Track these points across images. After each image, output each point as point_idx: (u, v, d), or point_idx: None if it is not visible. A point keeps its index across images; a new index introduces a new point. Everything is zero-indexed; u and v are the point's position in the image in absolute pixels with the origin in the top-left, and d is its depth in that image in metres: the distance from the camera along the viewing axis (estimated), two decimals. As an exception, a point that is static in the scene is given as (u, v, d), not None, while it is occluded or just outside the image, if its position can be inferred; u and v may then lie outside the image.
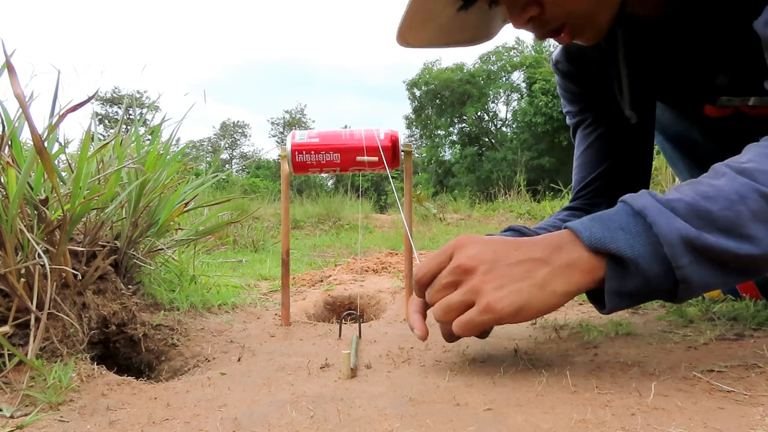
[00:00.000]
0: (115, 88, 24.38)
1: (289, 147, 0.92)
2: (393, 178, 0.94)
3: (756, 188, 0.51)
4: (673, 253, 0.51)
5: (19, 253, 0.69)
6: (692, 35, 0.77)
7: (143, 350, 0.82)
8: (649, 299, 0.56)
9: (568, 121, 1.03)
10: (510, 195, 6.02)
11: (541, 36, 0.73)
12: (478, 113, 24.65)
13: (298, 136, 0.93)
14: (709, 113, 0.83)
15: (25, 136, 1.52)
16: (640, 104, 0.85)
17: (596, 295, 0.59)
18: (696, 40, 0.77)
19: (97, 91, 0.77)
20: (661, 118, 0.99)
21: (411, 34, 0.76)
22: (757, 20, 0.60)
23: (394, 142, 0.93)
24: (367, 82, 62.51)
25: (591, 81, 0.94)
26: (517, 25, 0.71)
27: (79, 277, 0.76)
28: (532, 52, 22.98)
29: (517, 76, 23.73)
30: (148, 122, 1.46)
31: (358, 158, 0.92)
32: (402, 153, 0.95)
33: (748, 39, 0.65)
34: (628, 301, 0.56)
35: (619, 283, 0.54)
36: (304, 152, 0.92)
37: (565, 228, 0.58)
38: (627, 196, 0.56)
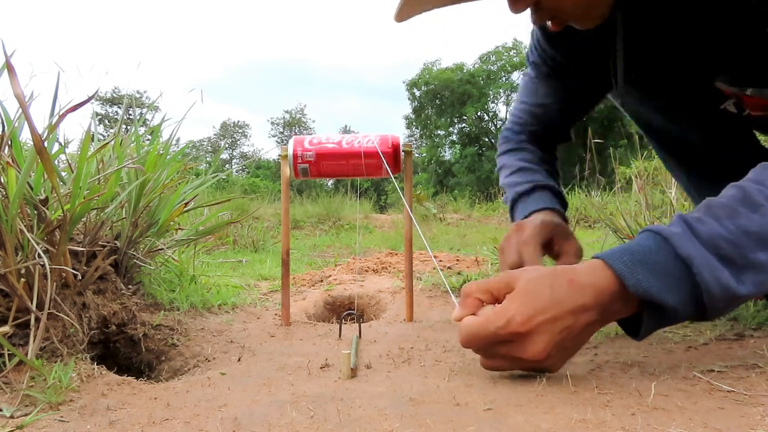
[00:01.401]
0: (115, 88, 24.40)
1: (290, 154, 0.92)
2: (394, 178, 0.95)
3: None
4: (711, 301, 0.53)
5: (19, 253, 0.69)
6: (691, 18, 0.76)
7: (143, 350, 0.82)
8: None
9: (528, 61, 1.04)
10: (510, 195, 6.00)
11: (536, 20, 0.73)
12: (478, 113, 24.64)
13: (300, 167, 0.93)
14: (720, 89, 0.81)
15: (25, 136, 1.52)
16: (632, 79, 0.86)
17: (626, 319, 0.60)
18: (694, 24, 0.76)
19: (96, 91, 0.77)
20: (655, 122, 0.97)
21: (408, 7, 0.72)
22: None
23: (395, 147, 0.94)
24: (367, 82, 62.55)
25: (570, 49, 0.94)
26: (515, 10, 0.70)
27: (79, 277, 0.76)
28: (532, 52, 22.91)
29: (517, 76, 23.70)
30: (148, 122, 1.46)
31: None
32: (402, 153, 0.95)
33: (747, 32, 0.65)
34: (658, 329, 0.59)
35: (657, 323, 0.57)
36: (306, 170, 0.93)
37: (603, 263, 0.56)
38: (668, 233, 0.55)
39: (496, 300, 0.59)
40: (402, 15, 0.71)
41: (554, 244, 0.87)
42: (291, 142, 0.95)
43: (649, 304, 0.55)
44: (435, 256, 1.84)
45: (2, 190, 0.68)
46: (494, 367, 0.61)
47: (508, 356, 0.58)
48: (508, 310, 0.56)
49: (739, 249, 0.52)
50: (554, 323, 0.55)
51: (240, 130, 36.44)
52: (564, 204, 0.95)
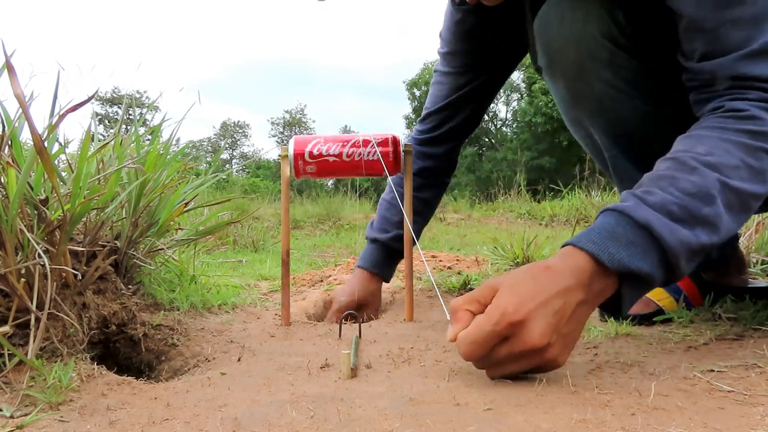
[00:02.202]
0: (115, 88, 24.39)
1: (291, 154, 0.93)
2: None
3: (726, 183, 0.58)
4: (676, 260, 0.57)
5: (19, 253, 0.69)
6: None
7: (143, 350, 0.82)
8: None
9: (440, 49, 1.08)
10: (510, 195, 6.01)
11: None
12: (478, 113, 24.60)
13: (302, 176, 0.94)
14: None
15: (25, 136, 1.52)
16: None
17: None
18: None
19: (96, 91, 0.77)
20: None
21: None
22: None
23: (396, 146, 0.94)
24: (367, 82, 62.58)
25: (486, 30, 0.98)
26: None
27: (79, 277, 0.76)
28: (532, 52, 22.92)
29: (517, 76, 23.69)
30: (148, 122, 1.46)
31: (363, 137, 0.94)
32: (402, 153, 0.95)
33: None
34: (637, 299, 0.60)
35: (637, 293, 0.59)
36: (308, 173, 0.94)
37: (573, 247, 0.58)
38: (622, 207, 0.58)
39: (485, 307, 0.59)
40: None
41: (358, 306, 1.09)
42: (291, 142, 0.95)
43: (625, 275, 0.57)
44: (435, 256, 1.84)
45: (2, 190, 0.68)
46: (503, 373, 0.59)
47: (512, 354, 0.57)
48: (498, 306, 0.57)
49: (687, 209, 0.57)
50: (545, 306, 0.56)
51: (240, 130, 36.46)
52: (391, 251, 1.12)
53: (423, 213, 1.18)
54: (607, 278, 0.57)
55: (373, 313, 1.13)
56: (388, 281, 1.18)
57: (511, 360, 0.58)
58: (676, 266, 0.57)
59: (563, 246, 0.60)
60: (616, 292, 0.59)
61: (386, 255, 1.13)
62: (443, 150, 1.14)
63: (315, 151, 0.93)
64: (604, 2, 0.77)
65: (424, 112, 1.14)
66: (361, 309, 1.11)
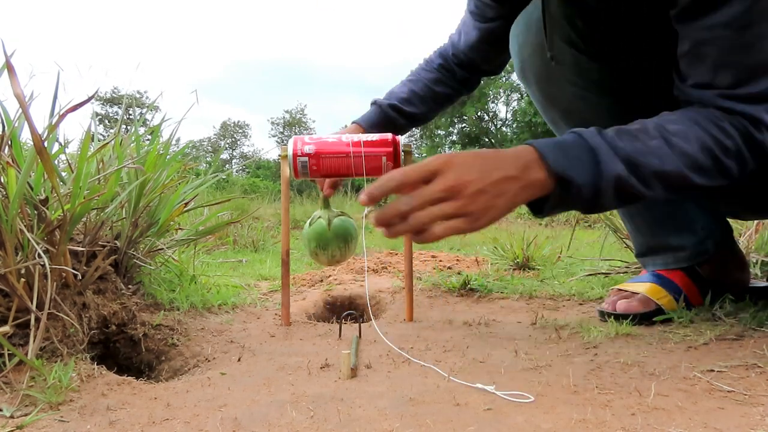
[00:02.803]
0: (115, 88, 24.40)
1: (290, 154, 0.92)
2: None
3: (676, 163, 0.64)
4: (605, 186, 0.63)
5: (19, 253, 0.69)
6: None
7: (143, 350, 0.82)
8: (568, 210, 0.68)
9: None
10: (510, 195, 5.99)
11: None
12: (478, 113, 24.63)
13: (299, 148, 0.93)
14: None
15: (25, 136, 1.52)
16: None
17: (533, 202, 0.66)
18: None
19: (96, 91, 0.77)
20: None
21: None
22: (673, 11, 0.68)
23: (395, 145, 0.94)
24: (367, 82, 62.49)
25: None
26: None
27: (79, 277, 0.76)
28: (532, 52, 22.91)
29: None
30: (147, 122, 1.46)
31: (358, 178, 0.94)
32: (402, 153, 0.95)
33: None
34: (559, 211, 0.66)
35: (563, 200, 0.64)
36: (306, 165, 0.93)
37: (530, 146, 0.64)
38: (583, 132, 0.65)
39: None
40: None
41: None
42: (290, 142, 0.94)
43: (560, 180, 0.62)
44: (434, 256, 1.84)
45: (2, 190, 0.68)
46: (420, 220, 0.59)
47: (433, 191, 0.58)
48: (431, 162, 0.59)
49: (633, 159, 0.63)
50: (474, 160, 0.60)
51: (240, 130, 36.45)
52: (386, 116, 1.11)
53: (428, 103, 1.18)
54: (543, 174, 0.61)
55: None
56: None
57: (427, 200, 0.58)
58: (602, 195, 0.63)
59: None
60: (542, 197, 0.63)
61: (380, 118, 1.14)
62: (465, 74, 1.16)
63: (314, 151, 0.93)
64: (565, 9, 0.82)
65: (450, 37, 1.15)
66: None
